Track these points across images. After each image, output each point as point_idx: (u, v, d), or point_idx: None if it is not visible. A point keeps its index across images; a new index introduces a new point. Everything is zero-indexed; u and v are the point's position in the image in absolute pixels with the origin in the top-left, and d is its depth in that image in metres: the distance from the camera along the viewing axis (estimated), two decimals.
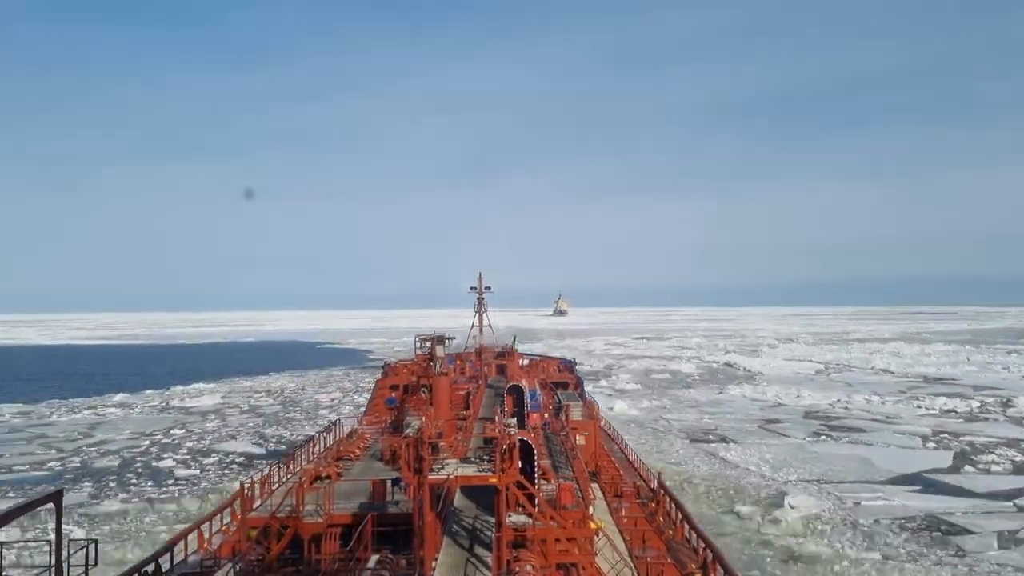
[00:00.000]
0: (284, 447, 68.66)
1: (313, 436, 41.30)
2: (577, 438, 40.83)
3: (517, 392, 43.94)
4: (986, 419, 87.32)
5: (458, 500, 30.59)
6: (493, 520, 25.49)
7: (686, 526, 32.65)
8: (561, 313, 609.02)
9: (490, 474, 23.59)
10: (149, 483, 59.22)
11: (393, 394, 54.29)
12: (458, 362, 61.48)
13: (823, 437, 75.64)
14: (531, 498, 23.98)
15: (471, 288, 65.89)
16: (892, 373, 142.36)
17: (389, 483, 29.29)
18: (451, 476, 23.77)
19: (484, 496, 28.62)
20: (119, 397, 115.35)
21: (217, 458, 68.49)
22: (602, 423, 52.25)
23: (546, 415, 44.30)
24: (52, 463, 67.47)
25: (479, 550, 25.71)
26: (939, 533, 44.02)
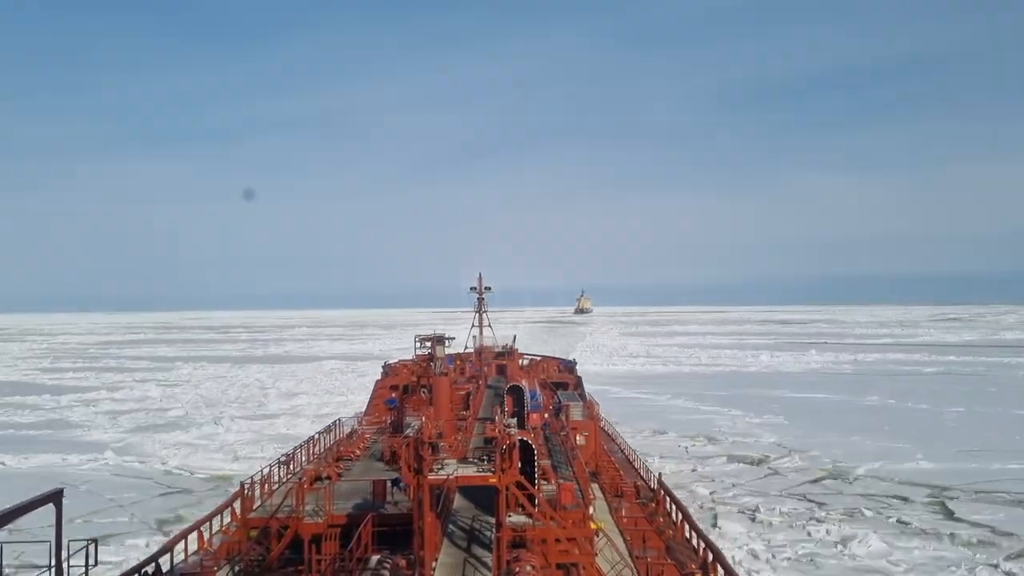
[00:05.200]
0: None
1: (313, 436, 41.31)
2: (577, 438, 40.85)
3: (517, 392, 43.95)
4: None
5: (458, 500, 30.59)
6: (493, 520, 25.51)
7: (686, 526, 32.64)
8: (584, 311, 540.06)
9: (490, 474, 23.60)
10: None
11: (393, 394, 54.30)
12: (458, 362, 61.50)
13: None
14: (531, 498, 23.99)
15: (471, 288, 65.83)
16: None
17: (389, 483, 29.30)
18: (451, 476, 23.78)
19: (484, 496, 28.63)
20: None
21: None
22: (602, 423, 52.30)
23: (546, 415, 44.32)
24: None
25: (479, 550, 25.72)
26: None
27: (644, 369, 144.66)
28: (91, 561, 15.72)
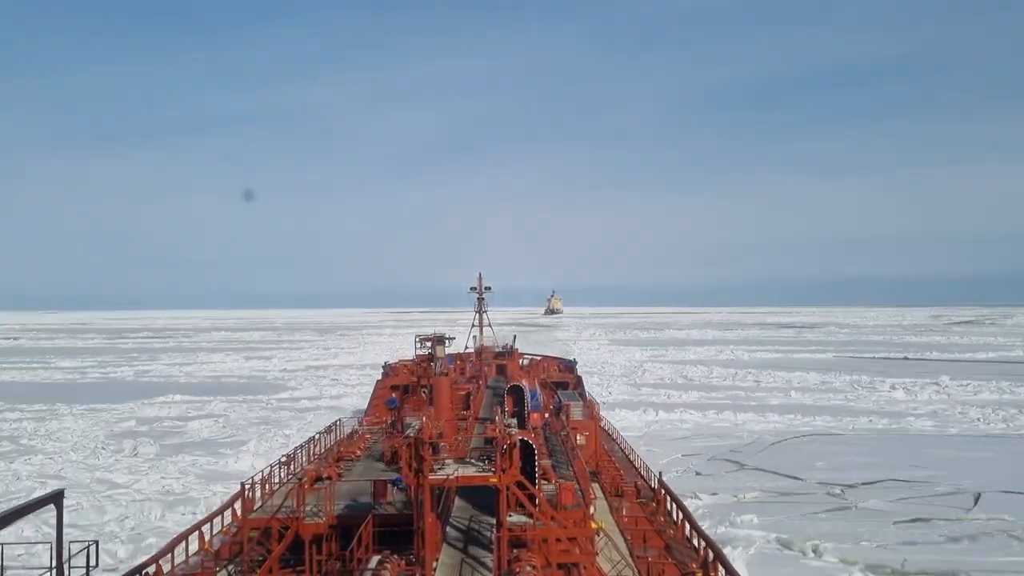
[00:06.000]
0: None
1: (314, 437, 41.35)
2: (577, 438, 40.88)
3: (518, 392, 44.00)
4: None
5: (458, 501, 30.62)
6: (493, 520, 25.52)
7: (687, 525, 32.66)
8: (554, 312, 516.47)
9: (490, 474, 23.61)
10: None
11: (393, 395, 54.32)
12: (458, 362, 61.55)
13: None
14: (532, 498, 24.00)
15: (471, 288, 65.99)
16: None
17: (390, 484, 29.32)
18: (451, 476, 23.78)
19: (485, 496, 28.66)
20: None
21: None
22: (602, 423, 52.34)
23: (547, 415, 44.35)
24: None
25: (480, 550, 25.75)
26: None
27: (725, 423, 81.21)
28: (92, 562, 15.74)
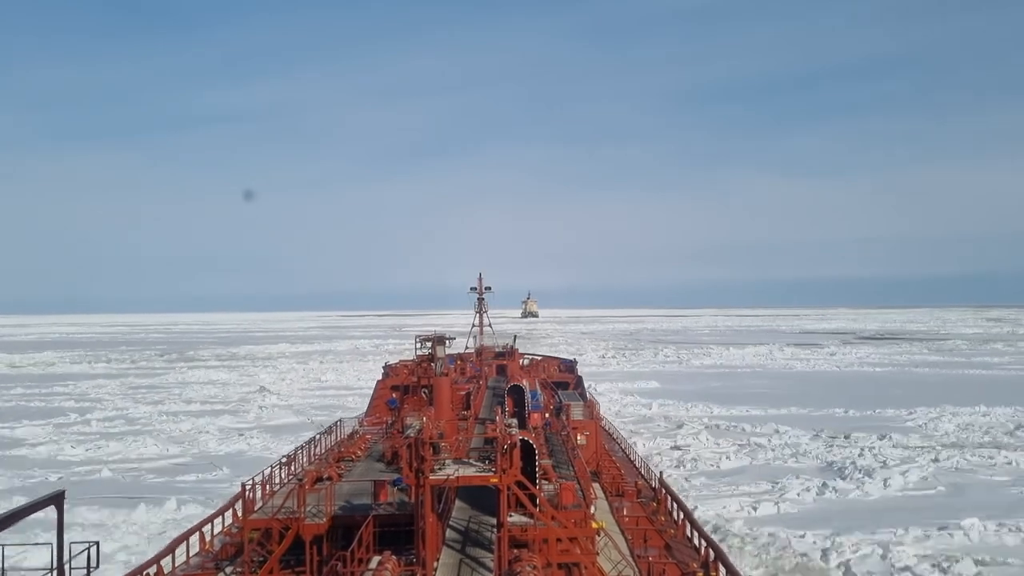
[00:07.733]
0: None
1: (314, 437, 41.35)
2: (578, 438, 40.89)
3: (518, 392, 44.03)
4: None
5: (459, 501, 30.60)
6: (494, 520, 25.51)
7: (688, 525, 32.66)
8: (531, 315, 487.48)
9: (491, 474, 23.60)
10: None
11: (394, 395, 54.33)
12: (458, 362, 61.59)
13: None
14: (532, 498, 23.99)
15: (471, 288, 66.16)
16: None
17: (390, 484, 29.31)
18: (452, 476, 23.77)
19: (485, 496, 28.65)
20: None
21: None
22: (603, 422, 52.35)
23: (547, 415, 44.37)
24: None
25: (480, 551, 25.73)
26: None
27: None
28: (93, 563, 15.73)
